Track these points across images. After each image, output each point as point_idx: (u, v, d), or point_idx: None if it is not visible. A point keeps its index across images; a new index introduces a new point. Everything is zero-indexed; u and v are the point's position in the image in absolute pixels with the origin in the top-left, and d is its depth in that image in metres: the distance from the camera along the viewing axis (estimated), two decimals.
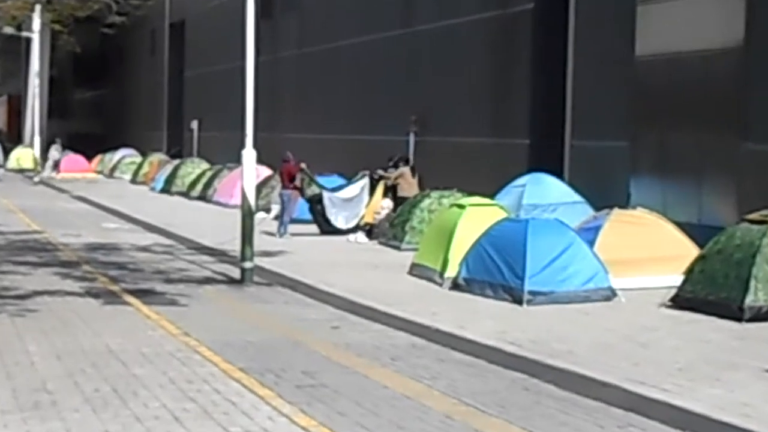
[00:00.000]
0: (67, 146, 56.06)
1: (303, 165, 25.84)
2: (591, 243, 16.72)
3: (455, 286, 16.84)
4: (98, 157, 57.65)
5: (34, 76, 57.71)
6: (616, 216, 17.94)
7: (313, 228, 25.83)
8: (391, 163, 26.34)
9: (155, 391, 10.59)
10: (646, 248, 17.24)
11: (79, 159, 56.37)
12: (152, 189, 43.06)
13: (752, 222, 15.22)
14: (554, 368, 11.49)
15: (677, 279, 15.55)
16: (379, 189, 25.62)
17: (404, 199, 24.78)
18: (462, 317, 14.39)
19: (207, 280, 19.12)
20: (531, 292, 15.52)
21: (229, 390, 10.73)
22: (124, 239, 25.71)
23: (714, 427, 9.40)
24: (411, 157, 29.02)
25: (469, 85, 29.24)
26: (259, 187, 27.40)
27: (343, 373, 11.67)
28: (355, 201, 25.68)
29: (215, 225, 27.35)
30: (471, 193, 21.67)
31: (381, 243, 23.72)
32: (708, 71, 20.87)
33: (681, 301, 15.15)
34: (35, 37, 57.30)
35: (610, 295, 15.85)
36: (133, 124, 66.50)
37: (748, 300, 14.21)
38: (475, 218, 18.13)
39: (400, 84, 32.96)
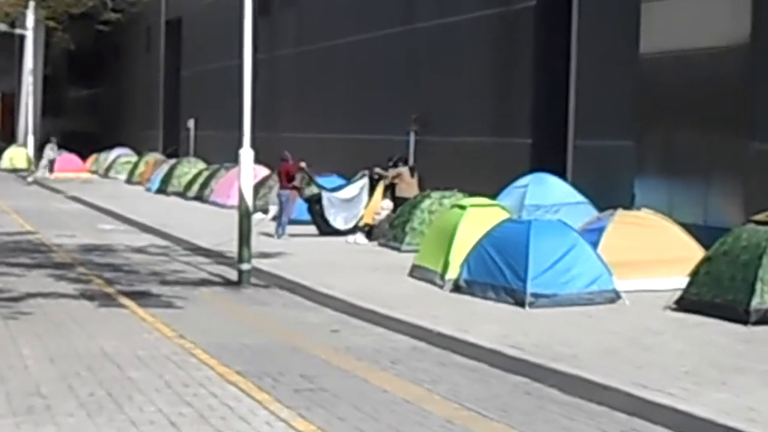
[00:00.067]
0: (61, 145, 55.88)
1: (303, 164, 25.80)
2: (594, 244, 16.68)
3: (456, 288, 16.79)
4: (93, 157, 57.56)
5: (28, 74, 57.68)
6: (621, 217, 17.89)
7: (312, 229, 25.79)
8: (390, 163, 26.35)
9: (151, 395, 10.54)
10: (651, 250, 17.19)
11: (74, 158, 56.21)
12: (148, 189, 42.99)
13: (759, 223, 15.17)
14: (557, 372, 11.44)
15: (682, 281, 15.51)
16: (379, 189, 25.59)
17: (402, 199, 24.75)
18: (463, 320, 14.36)
19: (203, 282, 19.08)
20: (533, 295, 15.48)
21: (226, 394, 10.69)
22: (119, 240, 25.68)
23: None
24: (411, 156, 28.98)
25: (471, 83, 29.20)
26: (257, 188, 27.31)
27: (342, 377, 11.65)
28: (354, 201, 25.63)
29: (212, 226, 27.30)
30: (472, 194, 21.62)
31: (381, 244, 23.70)
32: (714, 69, 20.79)
33: (686, 303, 15.10)
34: (29, 34, 57.25)
35: (614, 297, 15.80)
36: (128, 123, 66.54)
37: (755, 303, 14.14)
38: (477, 219, 18.09)
39: (400, 82, 32.93)
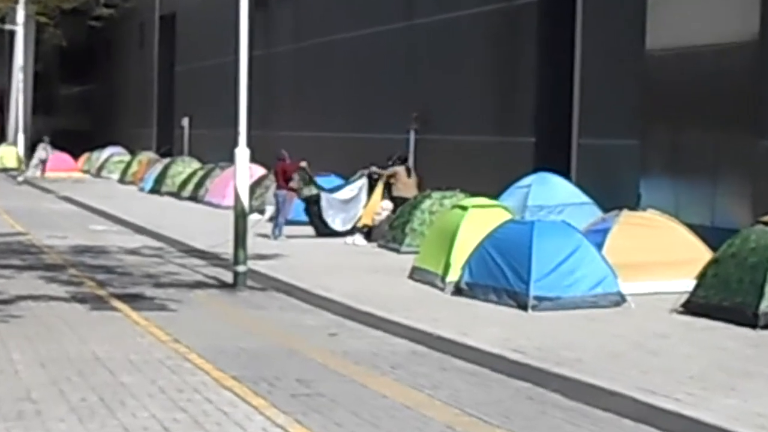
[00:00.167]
0: (54, 145, 55.64)
1: (303, 163, 25.72)
2: (599, 246, 16.62)
3: (457, 290, 16.72)
4: (85, 156, 57.49)
5: (18, 71, 57.60)
6: (626, 218, 17.83)
7: (309, 230, 25.74)
8: (390, 163, 26.40)
9: (144, 400, 10.50)
10: (657, 251, 17.14)
11: (65, 157, 55.91)
12: (141, 189, 42.98)
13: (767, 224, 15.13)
14: (561, 377, 11.39)
15: (689, 284, 15.46)
16: (378, 189, 25.56)
17: (399, 199, 24.74)
18: (464, 323, 14.32)
19: (198, 285, 19.03)
20: (536, 298, 15.42)
21: (221, 399, 10.65)
22: (111, 241, 25.64)
23: None
24: (411, 155, 29.00)
25: (472, 81, 29.20)
26: (253, 188, 27.33)
27: (340, 382, 11.61)
28: (352, 202, 25.64)
29: (207, 227, 27.25)
30: (474, 194, 21.54)
31: (380, 245, 23.66)
32: (722, 66, 20.79)
33: (693, 306, 15.06)
34: (19, 30, 57.19)
35: (619, 300, 15.71)
36: (121, 120, 66.64)
37: (763, 306, 14.08)
38: (478, 220, 18.05)
39: (400, 79, 32.96)
